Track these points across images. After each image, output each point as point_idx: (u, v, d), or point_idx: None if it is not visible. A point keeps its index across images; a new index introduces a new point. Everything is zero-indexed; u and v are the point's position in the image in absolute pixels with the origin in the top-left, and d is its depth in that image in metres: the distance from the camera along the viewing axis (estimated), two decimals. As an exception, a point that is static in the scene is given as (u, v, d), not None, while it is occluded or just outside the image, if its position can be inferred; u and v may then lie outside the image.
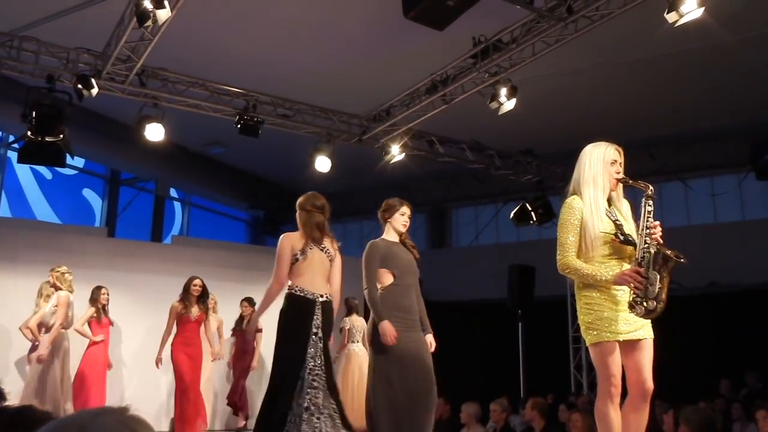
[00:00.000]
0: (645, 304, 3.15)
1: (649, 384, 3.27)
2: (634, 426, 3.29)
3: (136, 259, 9.05)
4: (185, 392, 6.95)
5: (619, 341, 3.27)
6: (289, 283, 4.50)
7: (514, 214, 10.32)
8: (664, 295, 3.16)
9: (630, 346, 3.30)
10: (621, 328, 3.25)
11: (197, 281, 7.22)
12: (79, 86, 6.93)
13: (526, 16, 6.55)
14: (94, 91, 7.02)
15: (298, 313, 4.41)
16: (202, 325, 7.25)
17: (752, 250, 10.03)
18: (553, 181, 10.35)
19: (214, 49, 8.32)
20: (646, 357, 3.30)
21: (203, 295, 7.27)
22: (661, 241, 3.27)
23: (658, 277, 3.16)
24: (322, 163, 8.68)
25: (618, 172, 3.41)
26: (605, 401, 3.26)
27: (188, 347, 7.01)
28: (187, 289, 7.20)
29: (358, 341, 8.25)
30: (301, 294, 4.45)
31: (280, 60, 8.60)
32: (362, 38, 8.08)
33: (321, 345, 4.39)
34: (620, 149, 3.47)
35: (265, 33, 8.11)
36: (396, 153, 8.87)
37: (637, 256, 3.23)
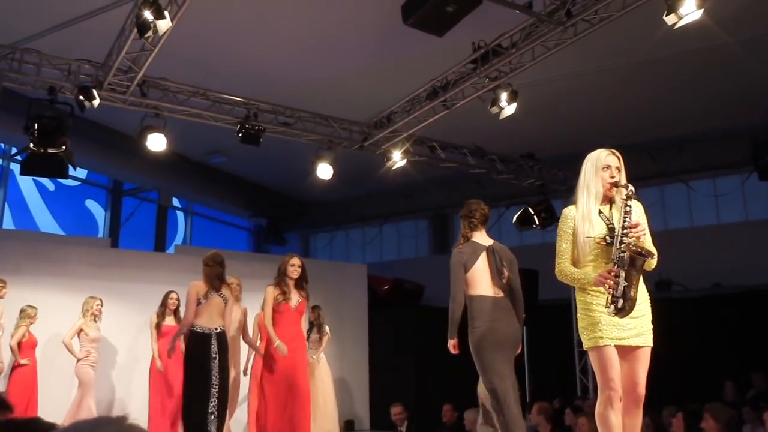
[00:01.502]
0: (617, 303, 3.22)
1: (641, 390, 3.34)
2: (628, 430, 3.35)
3: (139, 269, 9.06)
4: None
5: (615, 346, 3.31)
6: (193, 321, 5.85)
7: (517, 218, 10.32)
8: (632, 293, 3.22)
9: (626, 353, 3.34)
10: (615, 333, 3.30)
11: (295, 260, 6.11)
12: (81, 97, 6.95)
13: (525, 21, 6.55)
14: (96, 102, 7.03)
15: (199, 344, 5.78)
16: (304, 315, 6.23)
17: (756, 251, 10.01)
18: (555, 184, 10.34)
19: (214, 58, 8.34)
20: (642, 364, 3.36)
21: (303, 278, 6.12)
22: (641, 240, 3.32)
23: (623, 275, 3.22)
24: (324, 171, 8.69)
25: (612, 177, 3.45)
26: (605, 405, 3.30)
27: (289, 342, 5.94)
28: (283, 271, 6.09)
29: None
30: (200, 330, 5.83)
31: (281, 68, 8.63)
32: (362, 45, 8.10)
33: (218, 366, 5.75)
34: (617, 153, 3.52)
35: (265, 42, 8.13)
36: (397, 159, 8.88)
37: (613, 257, 3.29)
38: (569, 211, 3.50)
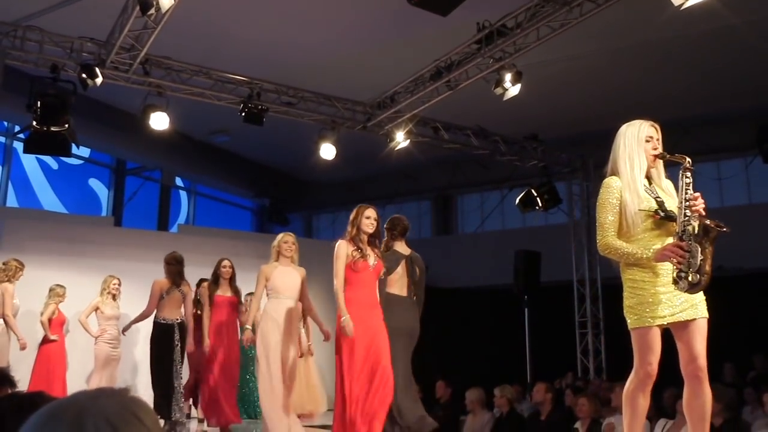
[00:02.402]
0: (689, 278, 3.06)
1: (700, 362, 3.16)
2: (696, 412, 3.18)
3: (142, 248, 9.08)
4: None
5: (662, 326, 3.17)
6: (156, 312, 6.69)
7: (520, 199, 10.32)
8: (708, 267, 3.06)
9: (680, 328, 3.20)
10: (664, 312, 3.15)
11: (370, 211, 5.03)
12: (84, 76, 6.94)
13: (530, 1, 6.51)
14: (99, 80, 7.02)
15: (163, 333, 6.61)
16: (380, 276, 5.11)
17: (759, 234, 9.99)
18: (558, 166, 10.33)
19: (217, 37, 8.30)
20: (697, 337, 3.18)
21: (378, 235, 5.09)
22: (703, 213, 3.18)
23: (699, 249, 3.06)
24: (327, 151, 8.68)
25: (655, 149, 3.33)
26: (636, 386, 3.20)
27: (365, 310, 4.85)
28: (358, 224, 4.97)
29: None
30: (164, 321, 6.66)
31: (284, 48, 8.59)
32: (366, 25, 8.05)
33: (179, 351, 6.61)
34: (656, 125, 3.39)
35: (268, 21, 8.09)
36: (401, 140, 8.86)
37: (677, 230, 3.14)
38: (614, 181, 3.28)
